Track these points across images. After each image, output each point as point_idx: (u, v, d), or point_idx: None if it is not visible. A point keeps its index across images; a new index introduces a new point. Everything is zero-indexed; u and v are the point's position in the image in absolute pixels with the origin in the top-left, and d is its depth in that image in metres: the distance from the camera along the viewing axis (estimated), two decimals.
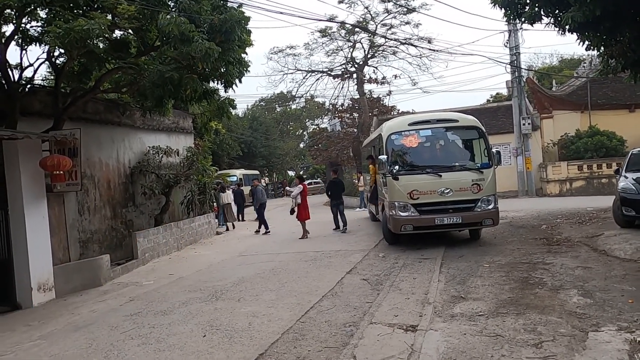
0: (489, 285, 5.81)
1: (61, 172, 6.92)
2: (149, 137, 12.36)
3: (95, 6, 6.54)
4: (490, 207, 8.29)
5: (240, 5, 7.19)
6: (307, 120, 50.98)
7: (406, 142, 8.64)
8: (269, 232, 13.25)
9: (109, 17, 6.67)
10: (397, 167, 8.48)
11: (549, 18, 8.67)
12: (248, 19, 7.07)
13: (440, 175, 8.25)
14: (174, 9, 6.40)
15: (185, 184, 12.74)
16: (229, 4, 7.78)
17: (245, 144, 36.83)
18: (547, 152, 19.97)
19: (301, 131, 53.78)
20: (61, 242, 9.30)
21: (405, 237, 9.07)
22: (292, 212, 11.58)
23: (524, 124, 18.92)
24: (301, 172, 42.70)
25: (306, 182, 12.88)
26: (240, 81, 9.28)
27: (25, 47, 8.59)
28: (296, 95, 28.97)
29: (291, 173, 58.20)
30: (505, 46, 18.99)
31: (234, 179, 26.74)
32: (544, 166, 19.35)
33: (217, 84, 8.16)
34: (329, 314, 5.15)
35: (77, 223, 9.78)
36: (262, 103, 44.97)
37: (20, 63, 8.87)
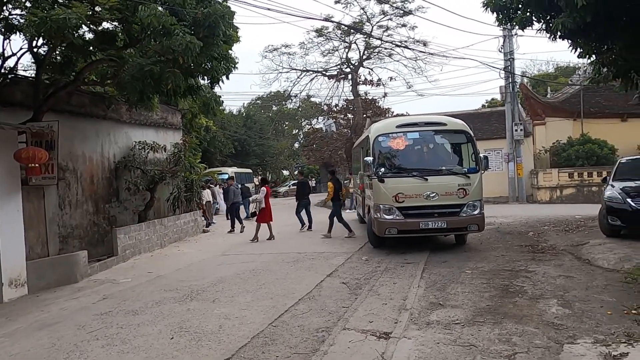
0: (469, 292, 5.70)
1: (36, 164, 6.72)
2: (135, 132, 12.17)
3: None
4: (475, 212, 8.20)
5: None
6: (302, 120, 50.82)
7: (393, 144, 8.53)
8: (233, 231, 13.61)
9: (94, 7, 6.49)
10: (383, 169, 8.36)
11: (541, 23, 8.59)
12: (233, 13, 6.92)
13: (427, 179, 8.14)
14: (157, 1, 6.23)
15: (171, 180, 12.54)
16: None
17: (239, 142, 36.63)
18: (538, 159, 19.95)
19: (297, 131, 53.61)
20: (40, 237, 9.08)
21: (390, 240, 8.96)
22: (253, 214, 11.58)
23: (516, 130, 18.89)
24: (297, 172, 42.47)
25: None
26: (227, 78, 9.13)
27: (8, 35, 8.40)
28: (292, 95, 28.86)
29: (285, 172, 58.00)
30: (500, 51, 18.96)
31: (225, 176, 26.55)
32: (535, 172, 19.33)
33: (204, 79, 7.98)
34: (303, 318, 5.02)
35: (57, 217, 9.57)
36: (258, 102, 44.78)
37: (2, 52, 8.65)
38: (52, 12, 5.63)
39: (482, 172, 8.52)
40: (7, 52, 8.53)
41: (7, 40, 8.38)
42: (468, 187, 8.15)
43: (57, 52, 8.52)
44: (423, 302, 5.39)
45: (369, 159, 8.45)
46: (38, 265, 7.48)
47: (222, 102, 9.74)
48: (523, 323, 4.48)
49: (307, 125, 47.54)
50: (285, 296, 5.92)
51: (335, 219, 10.98)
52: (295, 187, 13.43)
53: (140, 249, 10.34)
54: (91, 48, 7.98)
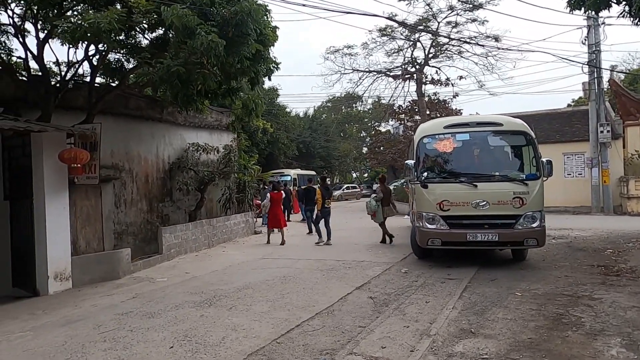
0: (511, 319, 4.88)
1: (79, 165, 7.02)
2: (190, 134, 12.53)
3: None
4: (534, 225, 7.16)
5: None
6: (372, 122, 50.06)
7: (439, 146, 7.77)
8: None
9: (129, 11, 6.62)
10: (426, 173, 7.64)
11: (622, 4, 7.33)
12: (263, 10, 6.70)
13: (476, 185, 7.29)
14: (187, 2, 6.19)
15: (222, 181, 12.73)
16: None
17: (304, 144, 36.90)
18: (629, 164, 17.47)
19: (363, 134, 52.97)
20: (96, 233, 9.61)
21: (437, 251, 8.21)
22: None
23: (601, 132, 16.70)
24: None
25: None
26: (269, 79, 8.99)
27: (73, 44, 8.97)
28: (358, 96, 28.41)
29: (354, 175, 57.57)
30: (583, 43, 16.93)
31: (287, 178, 26.82)
32: (625, 180, 16.93)
33: (237, 81, 7.86)
34: (312, 336, 4.59)
35: (113, 215, 10.10)
36: (328, 104, 44.90)
37: (68, 59, 9.28)
38: (85, 17, 5.78)
39: (545, 179, 7.45)
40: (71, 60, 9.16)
41: (74, 49, 8.91)
42: (526, 195, 7.15)
43: (110, 59, 8.96)
44: (452, 327, 4.70)
45: (410, 162, 7.78)
46: (83, 261, 7.85)
47: (261, 103, 9.55)
48: None
49: (373, 128, 46.73)
50: (304, 308, 5.53)
51: (322, 225, 11.33)
52: (301, 192, 13.94)
53: (187, 248, 10.56)
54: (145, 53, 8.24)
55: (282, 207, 12.57)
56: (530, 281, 6.53)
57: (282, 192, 15.25)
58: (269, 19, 7.63)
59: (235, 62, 6.65)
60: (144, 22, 6.31)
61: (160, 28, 7.94)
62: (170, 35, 6.57)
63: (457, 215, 7.33)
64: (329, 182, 13.01)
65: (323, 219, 11.36)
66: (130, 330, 4.96)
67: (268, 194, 11.97)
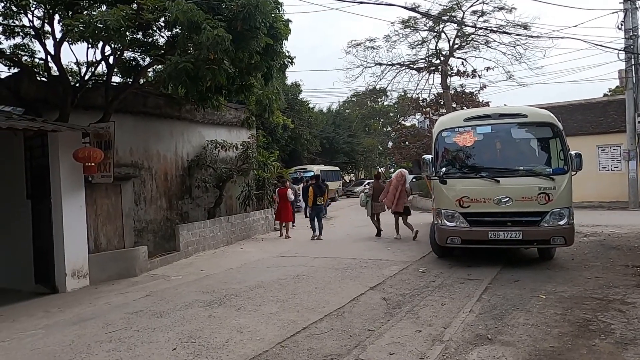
0: (533, 325, 4.55)
1: (92, 163, 7.06)
2: (209, 131, 12.55)
3: None
4: (562, 222, 6.72)
5: None
6: (397, 116, 49.26)
7: (459, 140, 7.41)
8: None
9: (137, 8, 6.58)
10: (444, 169, 7.31)
11: None
12: (272, 3, 6.51)
13: (498, 181, 6.90)
14: None
15: (240, 178, 12.70)
16: None
17: (327, 139, 36.65)
18: None
19: (389, 128, 52.21)
20: (117, 230, 9.73)
21: (458, 249, 7.88)
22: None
23: (639, 122, 15.72)
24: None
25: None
26: (283, 74, 8.82)
27: (95, 43, 9.04)
28: (383, 90, 27.92)
29: (381, 170, 56.97)
30: (619, 29, 15.93)
31: (310, 174, 26.71)
32: None
33: (251, 77, 7.73)
34: (318, 339, 4.41)
35: (133, 212, 10.20)
36: (353, 99, 44.45)
37: (87, 59, 9.40)
38: (94, 16, 5.76)
39: (574, 173, 6.98)
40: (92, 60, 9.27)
41: (94, 48, 8.99)
42: (552, 191, 6.72)
43: (126, 57, 9.00)
44: (468, 333, 4.41)
45: (428, 157, 7.45)
46: (100, 259, 7.94)
47: (276, 99, 9.39)
48: None
49: (397, 123, 46.02)
50: (313, 310, 5.36)
51: (315, 220, 11.82)
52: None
53: (205, 245, 10.58)
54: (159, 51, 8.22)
55: (289, 203, 12.70)
56: (556, 282, 6.12)
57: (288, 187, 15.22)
58: (281, 12, 7.45)
59: (245, 57, 6.50)
60: (152, 19, 6.23)
61: (176, 26, 7.95)
62: (179, 31, 6.49)
63: (477, 212, 6.97)
64: (322, 180, 13.40)
65: (316, 215, 11.90)
66: (137, 331, 4.91)
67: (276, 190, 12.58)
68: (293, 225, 13.18)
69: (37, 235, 7.97)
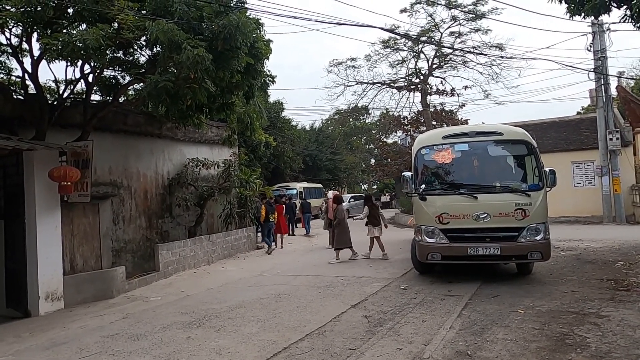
0: (512, 340, 4.60)
1: (68, 182, 6.93)
2: (190, 149, 12.48)
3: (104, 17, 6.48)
4: (538, 237, 6.86)
5: (244, 9, 6.73)
6: (379, 133, 49.89)
7: (438, 157, 7.55)
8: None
9: (117, 28, 6.59)
10: (424, 186, 7.42)
11: (623, 8, 7.11)
12: (252, 24, 6.61)
13: (476, 197, 7.03)
14: (174, 17, 6.14)
15: (222, 196, 12.61)
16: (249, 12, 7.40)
17: (310, 157, 36.80)
18: None
19: (372, 145, 52.78)
20: (94, 250, 9.54)
21: (439, 266, 7.94)
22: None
23: (610, 139, 16.31)
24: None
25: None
26: (265, 92, 8.88)
27: (73, 61, 8.97)
28: (363, 108, 28.30)
29: (364, 187, 57.19)
30: (589, 50, 16.64)
31: (293, 192, 26.69)
32: (637, 188, 16.46)
33: (232, 96, 7.77)
34: (299, 359, 4.36)
35: (110, 232, 9.99)
36: (336, 116, 44.88)
37: (66, 77, 9.30)
38: (73, 35, 5.74)
39: (548, 189, 7.17)
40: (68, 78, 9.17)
41: (73, 66, 8.90)
42: (528, 207, 6.88)
43: (106, 75, 8.95)
44: (448, 349, 4.43)
45: (408, 174, 7.56)
46: (76, 280, 7.73)
47: (258, 117, 9.45)
48: None
49: (379, 140, 46.58)
50: (294, 329, 5.30)
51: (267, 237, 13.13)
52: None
53: (185, 265, 10.40)
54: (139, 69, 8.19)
55: (284, 217, 14.41)
56: (534, 297, 6.22)
57: (284, 205, 15.55)
58: (262, 32, 7.56)
59: (226, 76, 6.55)
60: (133, 38, 6.24)
61: (157, 45, 7.98)
62: (160, 50, 6.51)
63: (457, 229, 7.07)
64: (272, 201, 14.57)
65: (267, 231, 13.17)
66: (112, 354, 4.77)
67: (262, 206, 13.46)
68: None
69: (10, 257, 7.73)
